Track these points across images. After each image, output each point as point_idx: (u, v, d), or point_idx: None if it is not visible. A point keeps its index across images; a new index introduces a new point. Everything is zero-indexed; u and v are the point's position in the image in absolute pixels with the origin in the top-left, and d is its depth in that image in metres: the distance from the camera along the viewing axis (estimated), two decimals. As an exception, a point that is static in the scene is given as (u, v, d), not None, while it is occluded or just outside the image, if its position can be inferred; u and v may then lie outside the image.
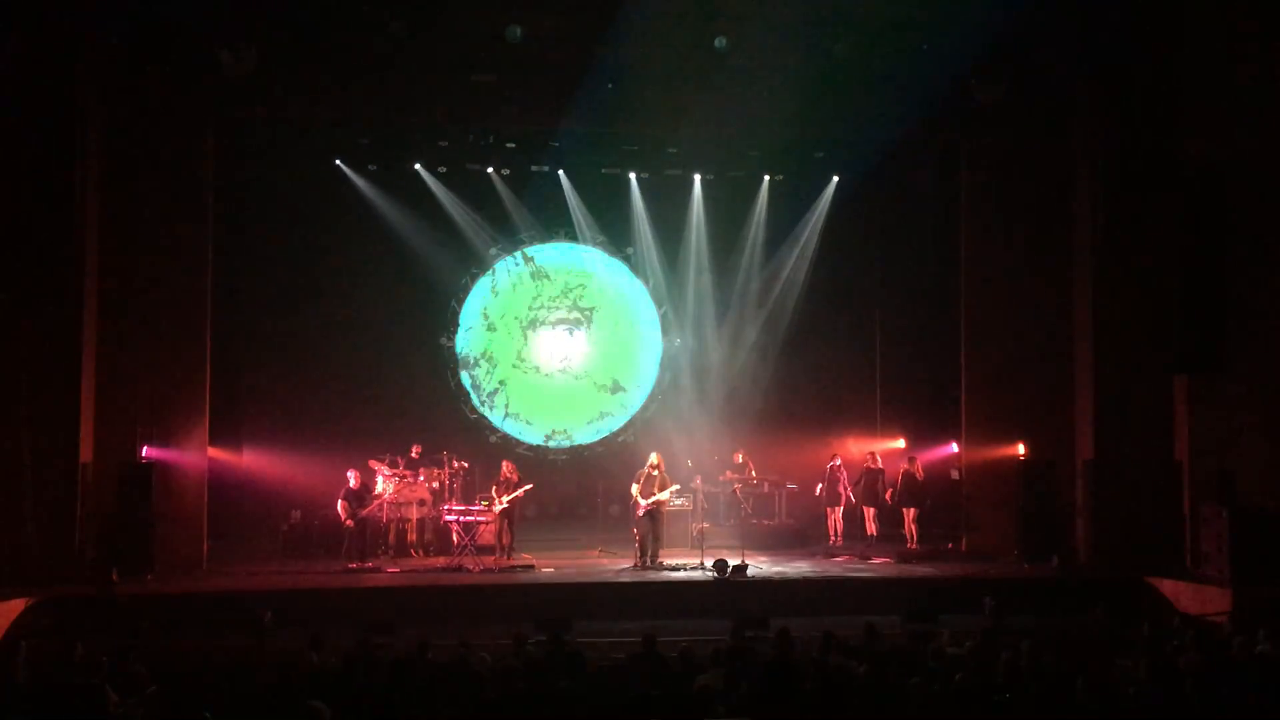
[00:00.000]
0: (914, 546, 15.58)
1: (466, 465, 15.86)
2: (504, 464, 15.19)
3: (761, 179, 18.01)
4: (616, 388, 18.93)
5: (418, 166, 17.18)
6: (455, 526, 14.50)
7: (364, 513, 14.50)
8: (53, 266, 13.45)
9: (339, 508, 14.43)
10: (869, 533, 16.03)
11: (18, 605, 12.03)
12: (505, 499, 14.57)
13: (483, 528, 14.59)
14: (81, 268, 13.71)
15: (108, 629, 10.86)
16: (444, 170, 17.32)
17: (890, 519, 16.16)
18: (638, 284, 18.90)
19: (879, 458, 16.32)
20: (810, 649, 8.67)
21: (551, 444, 18.59)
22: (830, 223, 18.07)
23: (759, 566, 13.99)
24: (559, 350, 18.78)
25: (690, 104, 14.83)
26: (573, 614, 11.01)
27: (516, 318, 18.74)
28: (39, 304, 13.38)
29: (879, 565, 14.83)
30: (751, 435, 17.50)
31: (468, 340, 18.60)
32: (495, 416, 18.54)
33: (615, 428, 18.78)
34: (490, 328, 18.68)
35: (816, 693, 6.99)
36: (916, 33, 14.00)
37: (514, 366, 18.70)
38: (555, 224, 18.44)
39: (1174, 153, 14.28)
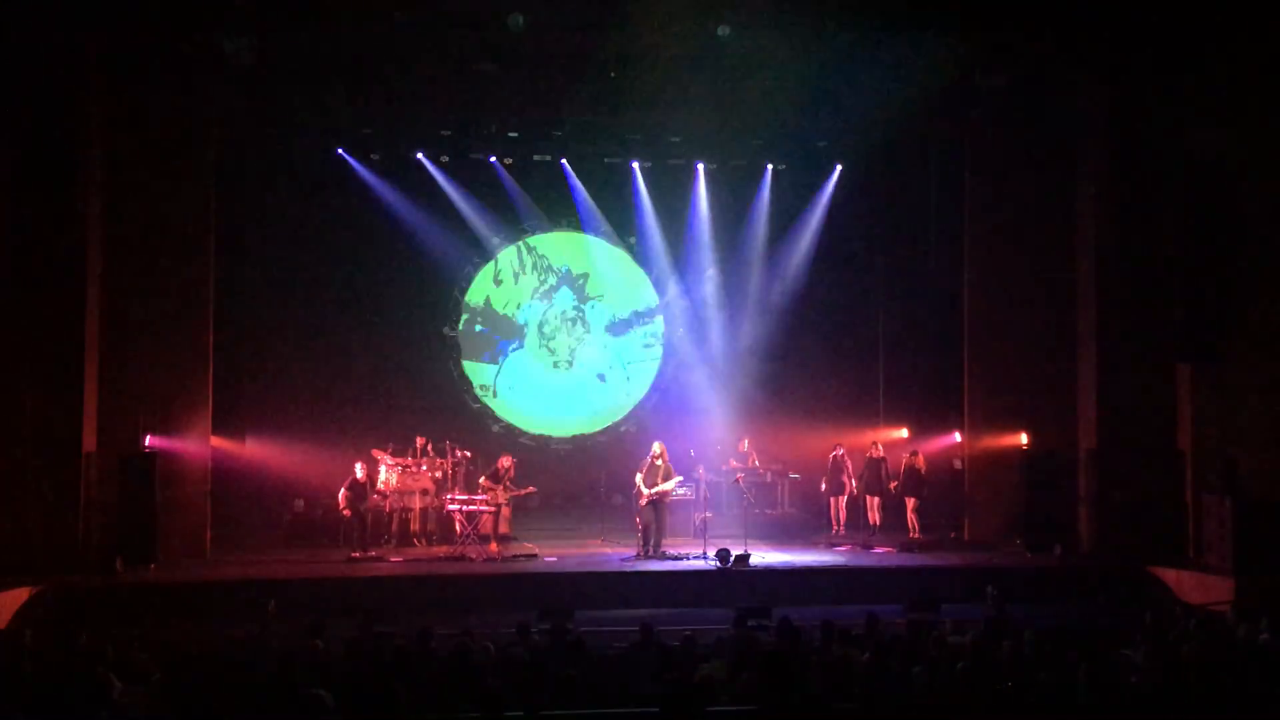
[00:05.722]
0: (916, 536, 15.60)
1: (469, 455, 15.88)
2: (502, 458, 15.16)
3: (764, 167, 17.97)
4: (619, 377, 18.93)
5: (420, 156, 17.17)
6: (458, 516, 14.50)
7: (363, 507, 14.53)
8: (56, 255, 13.46)
9: (340, 496, 14.47)
10: (872, 522, 16.05)
11: (22, 594, 12.07)
12: (505, 495, 14.63)
13: (484, 517, 14.61)
14: (84, 256, 13.72)
15: (111, 617, 10.89)
16: (446, 159, 17.31)
17: (893, 508, 16.17)
18: (640, 273, 18.89)
19: (881, 447, 16.32)
20: (812, 638, 8.68)
21: (554, 434, 18.60)
22: (833, 211, 18.01)
23: (761, 556, 14.00)
24: (562, 339, 18.78)
25: (693, 92, 14.81)
26: (576, 603, 11.05)
27: (519, 307, 18.74)
28: (42, 293, 13.39)
29: (881, 554, 14.84)
30: (754, 425, 17.50)
31: (470, 329, 18.60)
32: (498, 406, 18.55)
33: (618, 417, 18.79)
34: (493, 317, 18.68)
35: (819, 682, 7.00)
36: (920, 21, 13.94)
37: (517, 356, 18.71)
38: (558, 213, 18.42)
39: (1178, 142, 14.25)
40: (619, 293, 18.95)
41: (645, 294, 18.97)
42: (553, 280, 18.82)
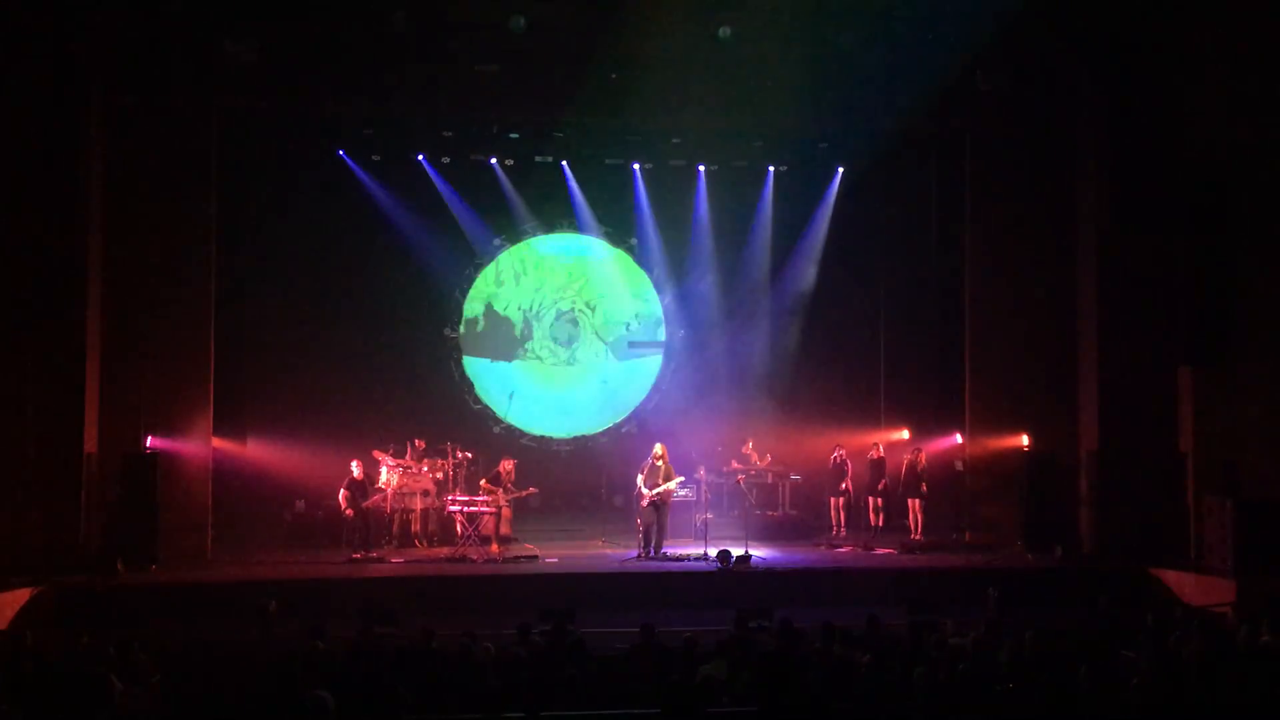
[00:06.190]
0: (917, 537, 15.59)
1: (470, 456, 15.87)
2: (503, 461, 15.16)
3: (766, 169, 17.96)
4: (620, 379, 18.92)
5: (421, 157, 17.16)
6: (459, 517, 14.50)
7: (365, 504, 14.54)
8: (57, 256, 13.47)
9: (340, 497, 14.47)
10: (872, 524, 16.04)
11: (23, 595, 12.08)
12: (506, 497, 14.64)
13: (485, 518, 14.60)
14: (86, 258, 13.73)
15: (112, 618, 10.90)
16: (447, 161, 17.30)
17: (893, 510, 16.16)
18: (641, 275, 18.89)
19: (881, 449, 16.32)
20: (813, 639, 8.68)
21: (555, 435, 18.60)
22: (834, 213, 18.00)
23: (762, 557, 14.00)
24: (562, 341, 18.79)
25: (694, 94, 14.81)
26: (576, 604, 11.03)
27: (520, 308, 18.74)
28: (43, 293, 13.40)
29: (882, 556, 14.84)
30: (755, 426, 17.47)
31: (471, 331, 18.60)
32: (498, 407, 18.55)
33: (619, 419, 18.79)
34: (494, 319, 18.68)
35: (819, 683, 7.01)
36: (920, 22, 13.95)
37: (517, 357, 18.71)
38: (558, 215, 18.42)
39: (1180, 143, 14.24)
40: (620, 294, 18.94)
41: (646, 295, 18.96)
42: (553, 282, 18.81)
